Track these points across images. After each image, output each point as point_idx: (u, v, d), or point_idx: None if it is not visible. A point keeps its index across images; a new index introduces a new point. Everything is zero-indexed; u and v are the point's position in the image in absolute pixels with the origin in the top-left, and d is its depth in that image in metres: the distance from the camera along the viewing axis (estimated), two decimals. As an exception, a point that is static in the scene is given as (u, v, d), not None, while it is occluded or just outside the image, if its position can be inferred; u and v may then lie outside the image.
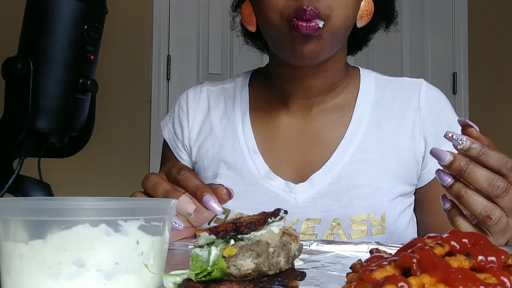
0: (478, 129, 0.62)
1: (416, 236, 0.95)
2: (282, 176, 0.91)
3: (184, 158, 1.02)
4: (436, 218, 0.92)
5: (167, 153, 1.04)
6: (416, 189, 0.94)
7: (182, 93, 1.05)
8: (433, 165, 0.89)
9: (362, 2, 0.87)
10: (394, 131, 0.92)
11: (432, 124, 0.91)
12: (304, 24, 0.77)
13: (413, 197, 0.95)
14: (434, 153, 0.61)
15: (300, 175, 0.91)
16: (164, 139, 1.05)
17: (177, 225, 0.69)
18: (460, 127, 0.64)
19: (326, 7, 0.79)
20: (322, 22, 0.79)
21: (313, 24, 0.78)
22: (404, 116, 0.92)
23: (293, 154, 0.93)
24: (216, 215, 0.89)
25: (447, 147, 0.63)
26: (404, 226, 0.91)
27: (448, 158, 0.60)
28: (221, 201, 0.68)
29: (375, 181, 0.89)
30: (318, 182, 0.89)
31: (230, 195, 0.70)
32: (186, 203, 0.68)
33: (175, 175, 0.71)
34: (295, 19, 0.78)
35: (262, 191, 0.91)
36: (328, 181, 0.89)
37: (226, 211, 0.90)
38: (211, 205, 0.67)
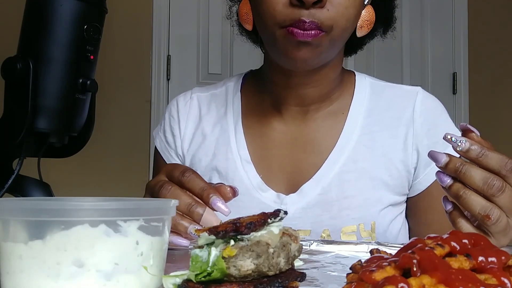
0: (479, 133, 0.62)
1: (407, 241, 0.94)
2: (273, 187, 0.90)
3: None
4: (427, 228, 0.91)
5: (159, 163, 1.01)
6: (407, 198, 0.93)
7: (172, 101, 1.03)
8: (425, 176, 0.89)
9: (362, 12, 0.84)
10: (387, 141, 0.90)
11: (426, 135, 0.90)
12: (302, 31, 0.75)
13: (404, 205, 0.93)
14: (431, 156, 0.62)
15: (291, 185, 0.90)
16: (156, 148, 1.02)
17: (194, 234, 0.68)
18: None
19: (329, 19, 0.76)
20: (324, 33, 0.76)
21: (313, 32, 0.75)
22: (398, 126, 0.91)
23: (285, 163, 0.91)
24: None
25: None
26: (394, 235, 0.90)
27: (444, 159, 0.61)
28: (226, 199, 0.68)
29: (365, 191, 0.88)
30: (308, 192, 0.88)
31: (234, 193, 0.70)
32: (211, 216, 0.67)
33: (178, 177, 0.70)
34: (290, 27, 0.76)
35: (254, 202, 0.89)
36: (319, 191, 0.88)
37: None
38: (219, 206, 0.67)
